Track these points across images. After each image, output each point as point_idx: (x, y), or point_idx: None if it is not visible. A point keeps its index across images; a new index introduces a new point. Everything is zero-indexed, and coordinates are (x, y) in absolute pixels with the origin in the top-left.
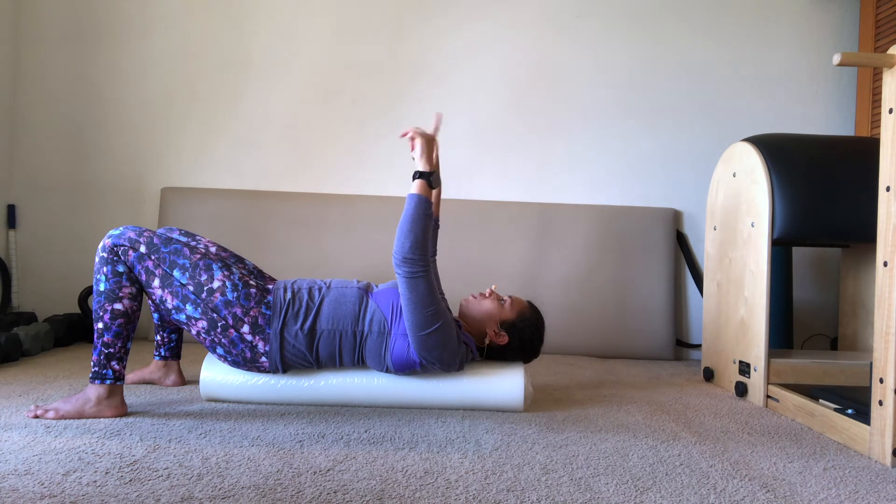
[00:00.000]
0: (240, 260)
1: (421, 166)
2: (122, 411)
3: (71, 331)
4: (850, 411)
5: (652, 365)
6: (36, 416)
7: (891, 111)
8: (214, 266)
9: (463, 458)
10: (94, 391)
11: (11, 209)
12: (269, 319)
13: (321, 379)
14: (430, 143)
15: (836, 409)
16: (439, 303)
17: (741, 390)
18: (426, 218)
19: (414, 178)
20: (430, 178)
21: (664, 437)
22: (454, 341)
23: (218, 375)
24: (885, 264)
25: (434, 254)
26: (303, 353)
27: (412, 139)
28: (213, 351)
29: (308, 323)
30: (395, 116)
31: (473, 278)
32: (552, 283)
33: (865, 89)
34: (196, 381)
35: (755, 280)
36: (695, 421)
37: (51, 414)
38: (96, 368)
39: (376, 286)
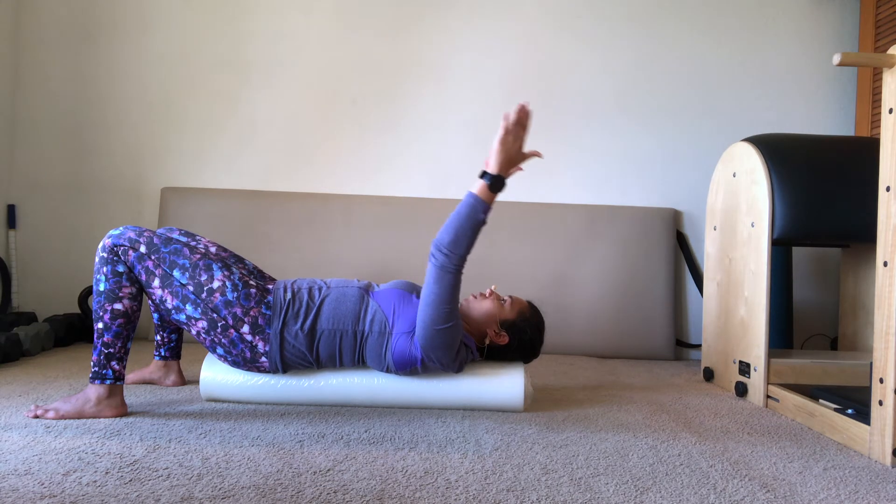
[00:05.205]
0: (240, 260)
1: (492, 166)
2: (122, 411)
3: (71, 331)
4: (850, 411)
5: (652, 365)
6: (36, 416)
7: (891, 111)
8: (214, 266)
9: (463, 458)
10: (94, 391)
11: (11, 209)
12: (269, 319)
13: (321, 379)
14: (515, 151)
15: (836, 409)
16: (457, 303)
17: (741, 390)
18: (477, 223)
19: (480, 177)
20: (499, 183)
21: (664, 437)
22: (458, 343)
23: (218, 375)
24: (885, 264)
25: None
26: (303, 353)
27: (507, 129)
28: (213, 351)
29: (308, 323)
30: (395, 116)
31: (473, 278)
32: (552, 283)
33: (865, 89)
34: (196, 381)
35: (755, 280)
36: (695, 421)
37: (51, 414)
38: (96, 368)
39: (377, 286)
